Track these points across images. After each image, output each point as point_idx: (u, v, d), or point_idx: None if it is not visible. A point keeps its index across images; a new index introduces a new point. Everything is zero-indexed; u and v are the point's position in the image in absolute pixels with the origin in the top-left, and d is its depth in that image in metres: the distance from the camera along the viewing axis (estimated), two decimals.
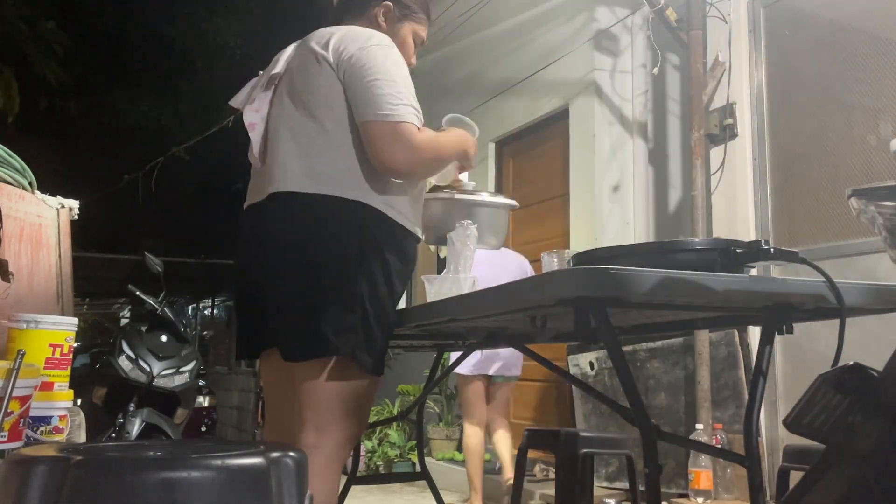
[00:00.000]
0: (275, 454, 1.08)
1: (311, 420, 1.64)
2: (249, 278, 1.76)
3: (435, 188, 2.03)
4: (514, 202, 2.11)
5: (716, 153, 4.01)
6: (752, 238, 3.52)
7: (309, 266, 1.63)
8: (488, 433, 4.09)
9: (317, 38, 1.77)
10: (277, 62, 1.82)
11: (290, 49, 1.85)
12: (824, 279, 1.24)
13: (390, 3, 1.89)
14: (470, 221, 1.90)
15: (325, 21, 1.92)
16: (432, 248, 5.76)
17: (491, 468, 4.98)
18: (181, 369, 4.04)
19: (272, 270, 1.68)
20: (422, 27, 1.95)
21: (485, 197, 2.03)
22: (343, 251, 1.64)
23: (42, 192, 2.95)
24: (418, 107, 1.70)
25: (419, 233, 1.84)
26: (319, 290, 1.62)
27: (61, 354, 2.22)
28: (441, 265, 2.09)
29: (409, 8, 1.92)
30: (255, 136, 1.77)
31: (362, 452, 5.65)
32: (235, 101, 1.87)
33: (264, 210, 1.72)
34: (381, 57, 1.69)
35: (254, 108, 1.80)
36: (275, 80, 1.79)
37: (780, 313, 1.37)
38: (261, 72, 1.89)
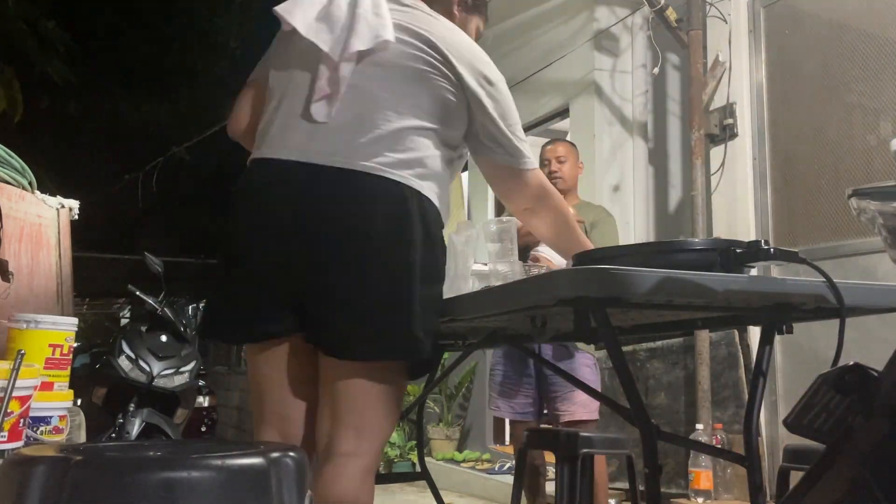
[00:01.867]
0: (275, 454, 1.08)
1: (352, 424, 1.50)
2: (277, 249, 1.51)
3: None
4: None
5: (716, 153, 4.01)
6: (752, 238, 3.52)
7: (401, 264, 1.48)
8: None
9: (415, 24, 1.58)
10: (380, 18, 1.56)
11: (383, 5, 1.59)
12: (824, 279, 1.23)
13: None
14: (471, 222, 1.93)
15: None
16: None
17: (492, 468, 4.98)
18: (181, 369, 4.05)
19: (345, 258, 1.48)
20: (483, 21, 1.89)
21: None
22: (435, 255, 1.56)
23: (42, 192, 2.94)
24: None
25: None
26: (412, 291, 1.48)
27: (61, 354, 2.21)
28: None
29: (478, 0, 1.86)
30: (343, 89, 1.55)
31: None
32: (287, 13, 1.60)
33: (329, 181, 1.50)
34: (508, 97, 1.67)
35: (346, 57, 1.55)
36: (384, 47, 1.55)
37: (780, 313, 1.37)
38: None
